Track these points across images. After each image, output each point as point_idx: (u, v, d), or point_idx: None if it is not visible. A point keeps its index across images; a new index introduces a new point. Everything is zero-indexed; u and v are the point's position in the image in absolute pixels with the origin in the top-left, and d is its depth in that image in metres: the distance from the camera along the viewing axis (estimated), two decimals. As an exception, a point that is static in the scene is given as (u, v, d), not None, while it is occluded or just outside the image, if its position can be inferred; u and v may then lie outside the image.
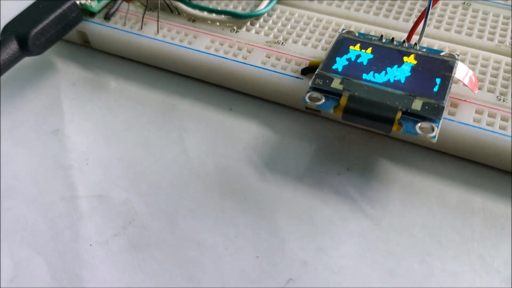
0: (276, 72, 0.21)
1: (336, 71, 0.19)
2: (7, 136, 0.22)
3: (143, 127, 0.22)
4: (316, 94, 0.19)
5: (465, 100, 0.20)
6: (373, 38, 0.21)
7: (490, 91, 0.20)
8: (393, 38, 0.21)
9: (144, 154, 0.21)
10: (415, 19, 0.21)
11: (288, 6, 0.24)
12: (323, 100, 0.19)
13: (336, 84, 0.19)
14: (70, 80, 0.24)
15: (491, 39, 0.22)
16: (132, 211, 0.19)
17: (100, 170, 0.21)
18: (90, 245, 0.18)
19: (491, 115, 0.19)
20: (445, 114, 0.19)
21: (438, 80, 0.19)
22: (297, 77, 0.21)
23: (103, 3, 0.24)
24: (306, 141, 0.21)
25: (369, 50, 0.20)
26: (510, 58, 0.21)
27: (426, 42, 0.22)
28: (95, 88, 0.24)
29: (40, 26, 0.22)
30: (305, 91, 0.19)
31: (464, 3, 0.24)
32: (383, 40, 0.21)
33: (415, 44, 0.20)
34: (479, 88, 0.20)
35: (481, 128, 0.19)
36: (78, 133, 0.22)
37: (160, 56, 0.23)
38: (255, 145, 0.21)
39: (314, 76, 0.19)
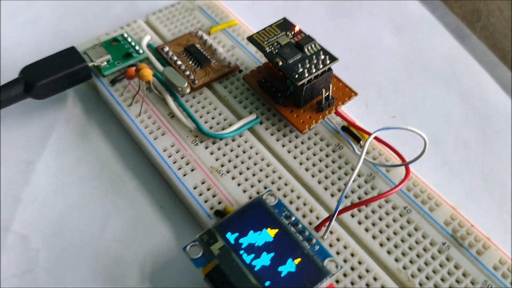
0: (197, 201, 0.24)
1: (224, 236, 0.22)
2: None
3: (89, 191, 0.26)
4: (197, 246, 0.21)
5: (323, 312, 0.21)
6: (286, 213, 0.22)
7: (353, 313, 0.21)
8: (298, 222, 0.22)
9: (75, 217, 0.25)
10: (358, 201, 0.22)
11: (255, 136, 0.26)
12: (200, 255, 0.21)
13: (215, 247, 0.21)
14: (67, 118, 0.29)
15: (399, 262, 0.22)
16: (35, 261, 0.24)
17: (38, 214, 0.25)
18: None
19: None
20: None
21: (299, 288, 0.20)
22: (208, 215, 0.23)
23: (113, 69, 0.28)
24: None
25: (269, 230, 0.22)
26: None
27: (338, 232, 0.23)
28: (79, 135, 0.28)
29: (49, 79, 0.26)
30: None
31: (405, 207, 0.24)
32: (292, 219, 0.22)
33: (312, 239, 0.22)
34: (344, 307, 0.21)
35: None
36: (43, 172, 0.27)
37: (131, 135, 0.27)
38: (156, 252, 0.24)
39: (205, 230, 0.22)
